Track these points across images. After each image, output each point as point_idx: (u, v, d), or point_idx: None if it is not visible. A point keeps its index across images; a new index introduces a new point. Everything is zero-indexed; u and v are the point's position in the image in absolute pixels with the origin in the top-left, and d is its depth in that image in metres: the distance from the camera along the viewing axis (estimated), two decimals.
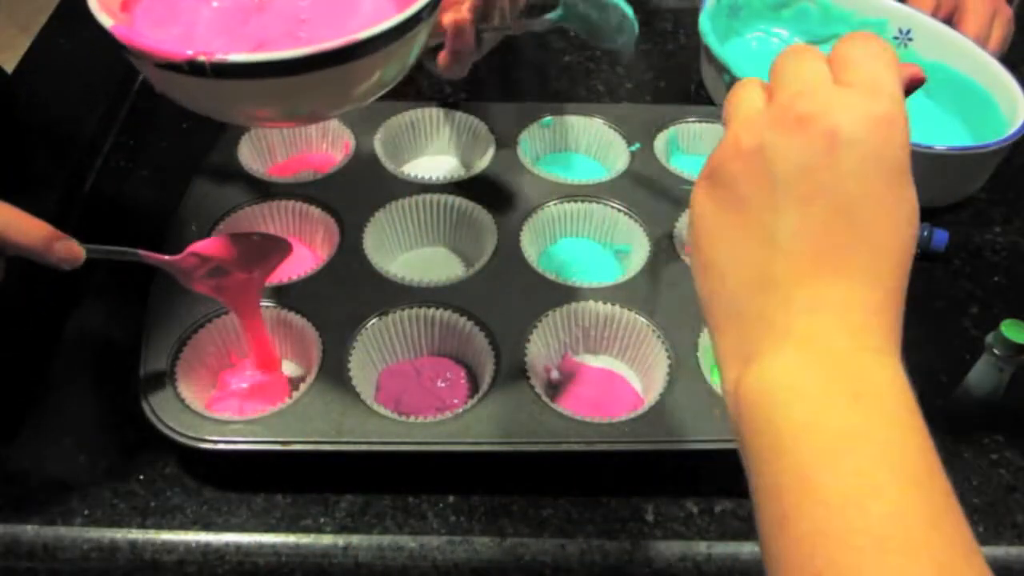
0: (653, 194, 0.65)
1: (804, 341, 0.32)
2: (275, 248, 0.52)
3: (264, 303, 0.56)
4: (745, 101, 0.36)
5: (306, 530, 0.49)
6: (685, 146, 0.74)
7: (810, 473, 0.29)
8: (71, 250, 0.45)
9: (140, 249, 0.49)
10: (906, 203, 0.33)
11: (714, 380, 0.54)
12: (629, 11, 0.58)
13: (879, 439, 0.29)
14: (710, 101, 0.79)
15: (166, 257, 0.49)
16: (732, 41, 0.84)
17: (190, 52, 0.38)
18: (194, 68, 0.39)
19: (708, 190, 0.35)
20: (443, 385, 0.55)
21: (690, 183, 0.67)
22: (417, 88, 0.83)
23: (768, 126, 0.33)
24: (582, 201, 0.65)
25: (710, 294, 0.35)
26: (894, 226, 0.33)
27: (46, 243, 0.44)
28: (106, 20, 0.40)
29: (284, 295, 0.57)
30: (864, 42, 0.35)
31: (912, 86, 0.37)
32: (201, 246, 0.49)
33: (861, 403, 0.30)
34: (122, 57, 0.41)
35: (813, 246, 0.32)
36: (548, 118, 0.72)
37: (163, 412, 0.50)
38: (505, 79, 0.82)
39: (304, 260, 0.62)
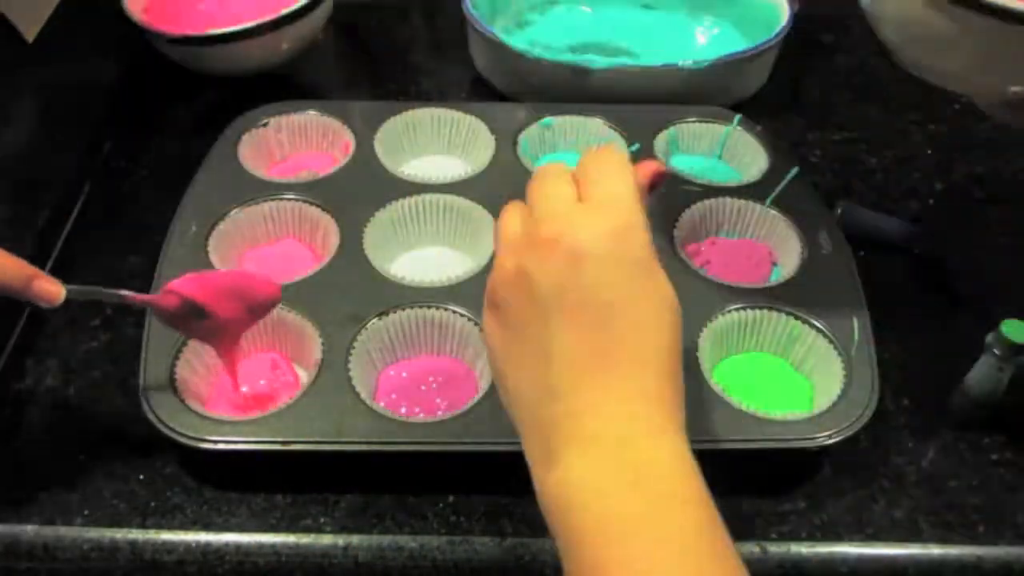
0: (653, 194, 0.65)
1: (588, 441, 0.35)
2: (264, 294, 0.52)
3: None
4: (507, 225, 0.40)
5: (306, 530, 0.49)
6: (685, 146, 0.74)
7: (604, 563, 0.32)
8: (51, 290, 0.45)
9: (121, 291, 0.49)
10: (656, 293, 0.37)
11: (714, 380, 0.54)
12: None
13: (659, 520, 0.33)
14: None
15: (147, 297, 0.49)
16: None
17: None
18: None
19: (491, 313, 0.39)
20: (443, 385, 0.55)
21: (690, 183, 0.67)
22: (417, 88, 0.83)
23: (525, 250, 0.38)
24: None
25: (509, 406, 0.39)
26: (653, 315, 0.37)
27: (25, 282, 0.44)
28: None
29: (284, 295, 0.57)
30: (601, 161, 0.40)
31: (656, 181, 0.43)
32: (178, 284, 0.49)
33: (640, 489, 0.33)
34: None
35: (582, 353, 0.36)
36: (548, 118, 0.72)
37: (163, 412, 0.50)
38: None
39: (304, 260, 0.62)
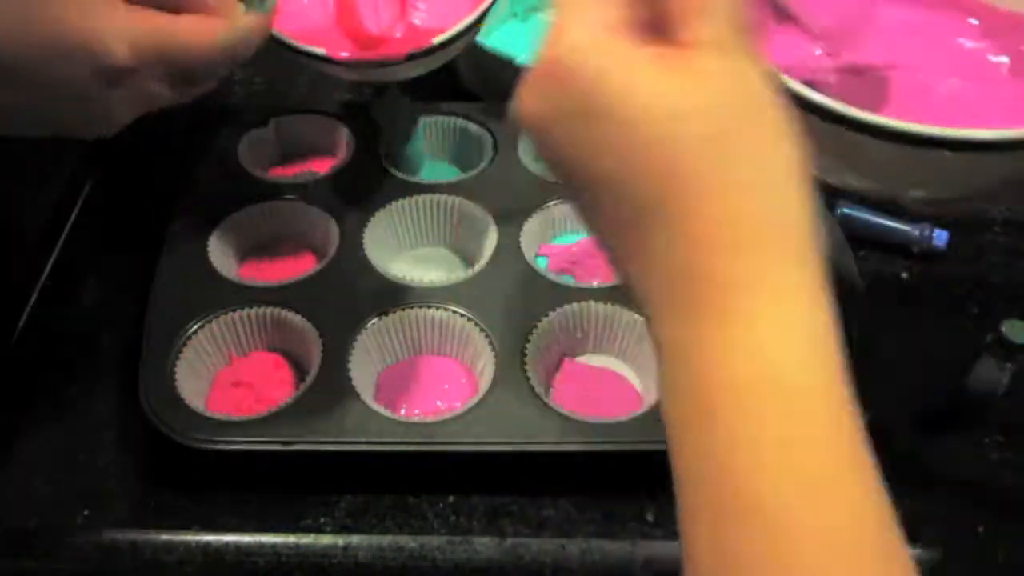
0: None
1: (769, 295, 0.27)
2: None
3: (264, 304, 0.56)
4: None
5: (306, 530, 0.49)
6: None
7: (749, 442, 0.25)
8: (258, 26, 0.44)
9: None
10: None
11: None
12: None
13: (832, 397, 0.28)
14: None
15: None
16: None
17: None
18: None
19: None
20: (443, 385, 0.55)
21: None
22: (418, 88, 0.83)
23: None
24: None
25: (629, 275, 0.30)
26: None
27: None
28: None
29: (284, 295, 0.57)
30: None
31: None
32: None
33: (818, 356, 0.28)
34: None
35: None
36: None
37: (163, 412, 0.50)
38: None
39: (304, 260, 0.62)
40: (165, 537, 0.49)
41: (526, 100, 0.31)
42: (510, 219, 0.63)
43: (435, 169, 0.70)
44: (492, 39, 0.77)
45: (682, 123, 0.27)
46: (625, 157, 0.27)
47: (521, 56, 0.75)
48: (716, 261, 0.27)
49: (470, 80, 0.81)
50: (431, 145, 0.71)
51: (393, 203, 0.63)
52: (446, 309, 0.56)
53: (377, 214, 0.63)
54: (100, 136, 0.44)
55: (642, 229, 0.28)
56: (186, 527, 0.49)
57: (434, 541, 0.49)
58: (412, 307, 0.56)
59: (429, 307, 0.56)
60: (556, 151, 0.30)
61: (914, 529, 0.52)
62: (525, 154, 0.69)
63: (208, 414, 0.50)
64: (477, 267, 0.60)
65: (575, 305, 0.57)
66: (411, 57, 0.55)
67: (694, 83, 0.27)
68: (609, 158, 0.28)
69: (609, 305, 0.57)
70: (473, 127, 0.71)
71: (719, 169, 0.27)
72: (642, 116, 0.27)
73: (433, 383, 0.55)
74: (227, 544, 0.49)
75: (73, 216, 0.67)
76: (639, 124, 0.27)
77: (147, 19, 0.41)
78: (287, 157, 0.72)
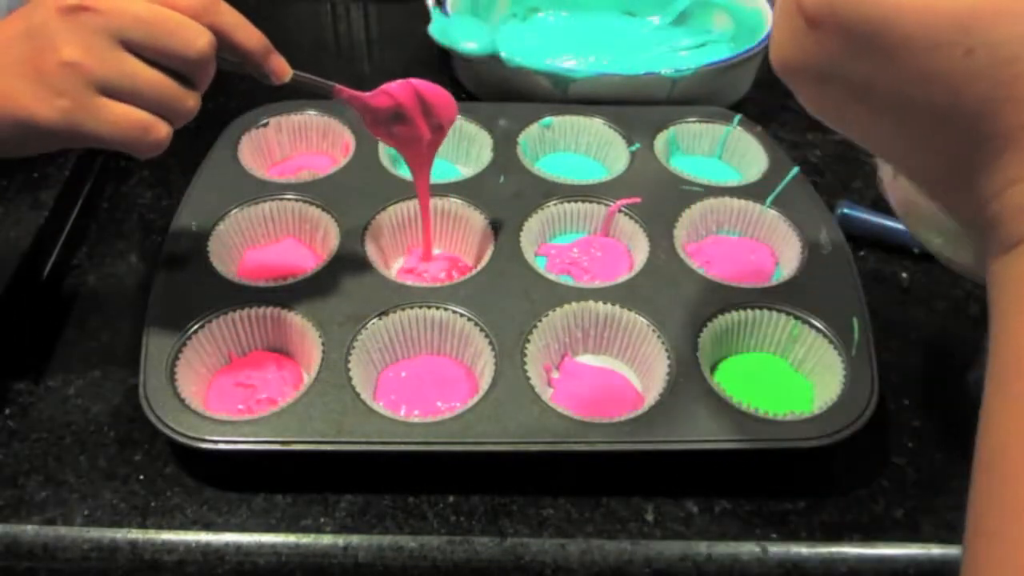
0: (653, 194, 0.65)
1: None
2: (447, 116, 0.57)
3: (264, 304, 0.56)
4: None
5: (306, 530, 0.49)
6: (685, 146, 0.74)
7: None
8: (282, 66, 0.49)
9: (337, 84, 0.52)
10: None
11: (714, 380, 0.54)
12: None
13: None
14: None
15: (359, 93, 0.53)
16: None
17: None
18: None
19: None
20: (443, 385, 0.55)
21: (690, 183, 0.67)
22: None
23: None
24: (582, 201, 0.65)
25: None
26: None
27: (265, 51, 0.47)
28: None
29: (284, 295, 0.57)
30: None
31: None
32: (393, 87, 0.54)
33: None
34: None
35: None
36: (548, 118, 0.72)
37: (163, 412, 0.50)
38: None
39: (304, 260, 0.62)
40: (165, 537, 0.49)
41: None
42: (510, 219, 0.63)
43: (435, 169, 0.69)
44: (492, 40, 0.77)
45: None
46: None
47: (520, 56, 0.75)
48: None
49: (469, 80, 0.81)
50: None
51: (393, 203, 0.63)
52: (446, 309, 0.56)
53: (377, 214, 0.63)
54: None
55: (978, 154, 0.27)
56: (186, 527, 0.49)
57: (434, 541, 0.49)
58: (412, 307, 0.56)
59: (429, 307, 0.56)
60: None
61: (914, 528, 0.52)
62: (525, 154, 0.69)
63: (208, 414, 0.50)
64: (477, 267, 0.60)
65: (575, 305, 0.57)
66: None
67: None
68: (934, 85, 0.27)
69: (609, 305, 0.57)
70: (473, 127, 0.72)
71: None
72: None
73: (433, 383, 0.55)
74: (227, 544, 0.49)
75: (73, 216, 0.67)
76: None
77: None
78: (287, 157, 0.72)
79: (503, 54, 0.75)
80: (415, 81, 0.55)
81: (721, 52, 0.80)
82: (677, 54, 0.85)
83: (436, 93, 0.56)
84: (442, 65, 0.84)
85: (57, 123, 0.42)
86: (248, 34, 0.47)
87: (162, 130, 0.45)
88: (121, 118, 0.43)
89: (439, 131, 0.58)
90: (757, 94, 0.82)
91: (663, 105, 0.75)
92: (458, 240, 0.65)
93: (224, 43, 0.46)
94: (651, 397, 0.53)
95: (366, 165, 0.67)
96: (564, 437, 0.50)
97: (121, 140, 0.44)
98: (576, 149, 0.74)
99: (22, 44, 0.42)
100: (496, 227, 0.62)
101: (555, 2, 0.89)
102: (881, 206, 0.70)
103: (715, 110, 0.74)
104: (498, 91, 0.77)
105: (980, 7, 0.26)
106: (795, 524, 0.51)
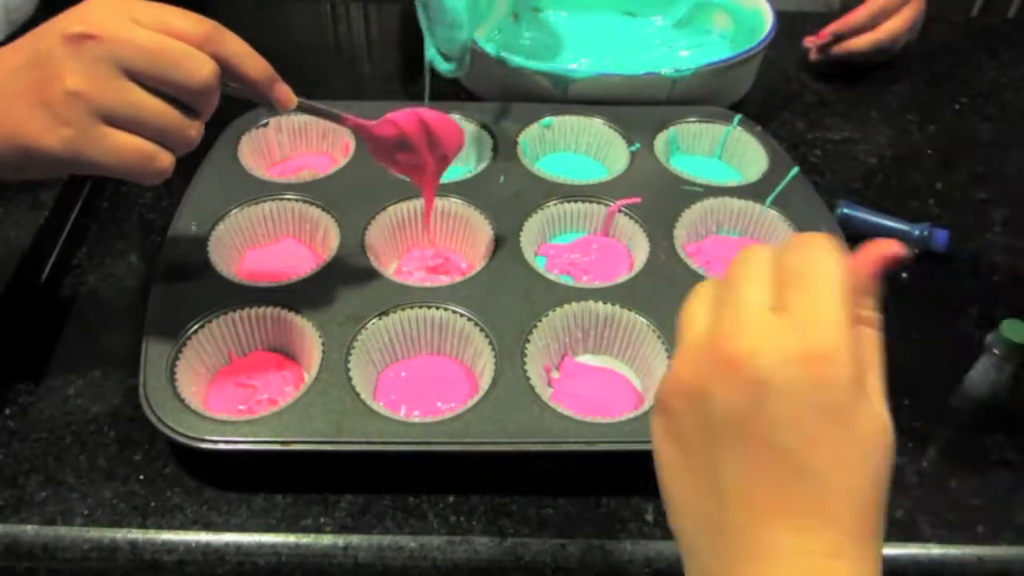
0: (653, 194, 0.65)
1: None
2: (454, 145, 0.57)
3: (264, 304, 0.56)
4: (692, 319, 0.34)
5: (306, 530, 0.49)
6: (685, 146, 0.74)
7: None
8: (287, 95, 0.49)
9: (343, 113, 0.53)
10: (854, 441, 0.31)
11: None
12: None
13: None
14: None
15: (364, 122, 0.53)
16: None
17: None
18: None
19: (661, 423, 0.34)
20: (443, 385, 0.55)
21: (690, 183, 0.67)
22: (418, 89, 0.83)
23: (704, 362, 0.32)
24: (582, 201, 0.65)
25: (672, 522, 0.34)
26: (843, 467, 0.31)
27: (270, 80, 0.47)
28: None
29: (284, 295, 0.57)
30: (808, 260, 0.33)
31: (888, 266, 0.35)
32: (399, 116, 0.54)
33: None
34: None
35: (757, 494, 0.31)
36: (548, 118, 0.72)
37: (163, 412, 0.50)
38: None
39: (304, 260, 0.62)
40: (165, 537, 0.49)
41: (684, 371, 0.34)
42: (509, 219, 0.63)
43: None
44: (490, 40, 0.77)
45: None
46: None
47: (518, 57, 0.75)
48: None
49: (469, 80, 0.81)
50: None
51: (393, 203, 0.63)
52: (446, 309, 0.56)
53: (377, 214, 0.63)
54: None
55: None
56: (186, 527, 0.49)
57: (434, 541, 0.49)
58: (412, 307, 0.56)
59: (429, 307, 0.56)
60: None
61: (914, 528, 0.53)
62: (525, 154, 0.69)
63: (208, 414, 0.50)
64: (477, 267, 0.60)
65: (575, 305, 0.57)
66: None
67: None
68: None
69: (609, 305, 0.57)
70: (473, 127, 0.72)
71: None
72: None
73: (433, 383, 0.55)
74: (227, 544, 0.49)
75: (73, 216, 0.67)
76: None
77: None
78: (287, 157, 0.72)
79: (503, 54, 0.74)
80: (422, 111, 0.55)
81: (721, 52, 0.80)
82: (677, 54, 0.85)
83: (442, 123, 0.56)
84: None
85: (60, 151, 0.42)
86: (253, 64, 0.46)
87: (164, 159, 0.45)
88: (124, 147, 0.43)
89: (444, 160, 0.58)
90: (757, 94, 0.82)
91: (663, 105, 0.75)
92: (458, 240, 0.65)
93: (228, 72, 0.45)
94: (651, 397, 0.53)
95: (366, 165, 0.67)
96: (564, 437, 0.50)
97: (123, 169, 0.44)
98: (576, 149, 0.74)
99: (27, 72, 0.43)
100: (496, 227, 0.62)
101: (555, 2, 0.89)
102: (881, 206, 0.70)
103: (715, 110, 0.74)
104: (498, 91, 0.77)
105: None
106: None
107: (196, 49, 0.44)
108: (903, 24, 0.81)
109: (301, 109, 0.50)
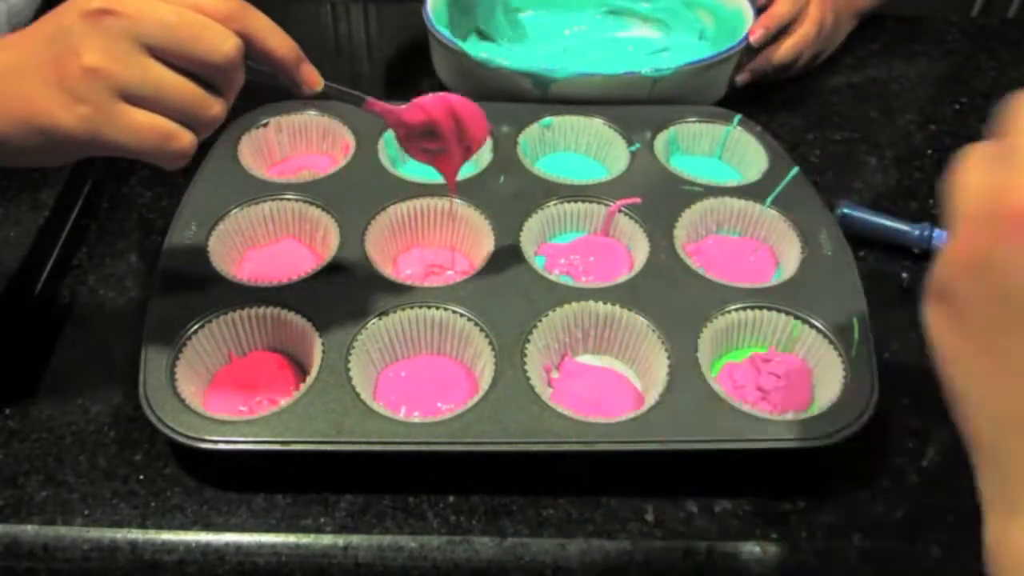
0: (653, 194, 0.65)
1: None
2: (479, 136, 0.56)
3: (264, 304, 0.56)
4: (969, 182, 0.30)
5: (306, 530, 0.49)
6: (685, 146, 0.74)
7: None
8: (314, 76, 0.47)
9: (367, 96, 0.51)
10: None
11: (714, 376, 0.54)
12: None
13: None
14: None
15: (392, 107, 0.52)
16: None
17: None
18: None
19: (940, 311, 0.30)
20: (443, 385, 0.55)
21: (690, 183, 0.67)
22: (418, 89, 0.83)
23: (991, 227, 0.28)
24: (582, 201, 0.65)
25: (962, 422, 0.31)
26: None
27: (297, 60, 0.46)
28: None
29: (284, 295, 0.57)
30: None
31: None
32: (427, 101, 0.53)
33: None
34: None
35: None
36: (548, 118, 0.72)
37: (163, 412, 0.50)
38: None
39: (304, 260, 0.62)
40: (165, 537, 0.49)
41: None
42: (509, 219, 0.63)
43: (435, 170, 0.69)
44: (471, 40, 0.77)
45: None
46: None
47: (501, 57, 0.74)
48: None
49: (449, 78, 0.80)
50: None
51: (393, 204, 0.63)
52: (446, 309, 0.56)
53: (377, 214, 0.63)
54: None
55: None
56: (186, 527, 0.49)
57: (434, 541, 0.49)
58: (412, 307, 0.56)
59: (429, 307, 0.56)
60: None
61: (915, 528, 0.52)
62: (525, 154, 0.69)
63: (208, 414, 0.50)
64: (477, 267, 0.60)
65: (575, 305, 0.57)
66: None
67: None
68: None
69: (609, 305, 0.57)
70: None
71: None
72: None
73: (433, 383, 0.55)
74: (227, 544, 0.49)
75: (73, 216, 0.67)
76: None
77: None
78: (287, 157, 0.72)
79: (483, 54, 0.74)
80: (451, 97, 0.53)
81: (701, 51, 0.80)
82: (658, 54, 0.85)
83: (470, 111, 0.54)
84: (422, 63, 0.84)
85: (77, 130, 0.41)
86: (279, 40, 0.45)
87: (185, 139, 0.43)
88: (143, 126, 0.41)
89: (467, 152, 0.57)
90: (757, 94, 0.82)
91: (648, 104, 0.75)
92: (458, 240, 0.65)
93: (253, 49, 0.44)
94: (651, 397, 0.53)
95: (366, 165, 0.67)
96: (564, 437, 0.50)
97: (143, 149, 0.42)
98: (576, 149, 0.74)
99: (46, 49, 0.41)
100: (496, 227, 0.62)
101: (536, 1, 0.89)
102: (881, 206, 0.70)
103: (715, 110, 0.74)
104: (478, 91, 0.77)
105: None
106: (795, 524, 0.51)
107: (219, 24, 0.42)
108: (800, 41, 0.81)
109: (327, 92, 0.48)
